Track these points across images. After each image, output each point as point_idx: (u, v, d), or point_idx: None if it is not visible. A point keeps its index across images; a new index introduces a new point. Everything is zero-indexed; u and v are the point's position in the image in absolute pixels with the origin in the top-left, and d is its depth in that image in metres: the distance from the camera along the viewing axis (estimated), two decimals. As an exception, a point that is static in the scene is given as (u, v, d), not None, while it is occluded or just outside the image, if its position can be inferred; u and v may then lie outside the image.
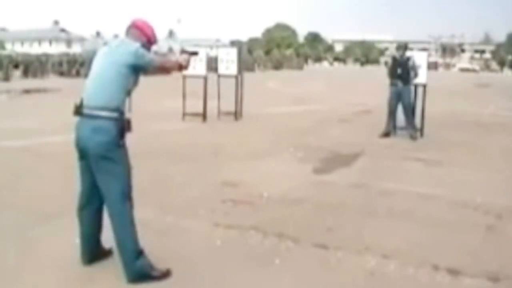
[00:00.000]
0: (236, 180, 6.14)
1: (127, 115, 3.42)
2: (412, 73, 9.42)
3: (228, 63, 11.65)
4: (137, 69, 3.38)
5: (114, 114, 3.27)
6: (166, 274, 3.44)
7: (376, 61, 78.87)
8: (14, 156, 7.28)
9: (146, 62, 3.38)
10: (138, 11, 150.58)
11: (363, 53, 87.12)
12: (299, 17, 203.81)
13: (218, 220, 4.63)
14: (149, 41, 3.53)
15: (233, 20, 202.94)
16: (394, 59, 9.69)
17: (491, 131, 10.76)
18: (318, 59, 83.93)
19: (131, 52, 3.31)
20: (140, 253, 3.37)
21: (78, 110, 3.33)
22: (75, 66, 29.57)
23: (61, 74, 28.97)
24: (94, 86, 3.33)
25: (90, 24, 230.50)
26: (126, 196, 3.35)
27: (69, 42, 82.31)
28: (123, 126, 3.32)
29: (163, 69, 3.60)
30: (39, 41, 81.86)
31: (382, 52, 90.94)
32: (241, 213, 4.94)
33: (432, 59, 63.88)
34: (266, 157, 7.63)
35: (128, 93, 3.42)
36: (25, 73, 27.57)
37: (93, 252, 3.60)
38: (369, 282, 3.53)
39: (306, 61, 69.94)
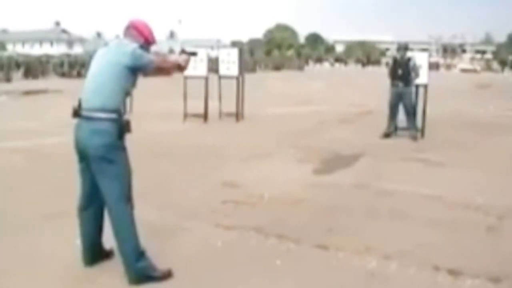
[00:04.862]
0: (237, 181, 6.15)
1: (127, 116, 3.42)
2: (413, 74, 9.41)
3: (229, 64, 11.64)
4: (135, 70, 3.38)
5: (113, 115, 3.27)
6: (167, 275, 3.44)
7: (377, 62, 78.65)
8: (15, 157, 7.29)
9: (144, 63, 3.37)
10: (139, 12, 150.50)
11: (364, 53, 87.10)
12: (299, 17, 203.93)
13: (219, 221, 4.64)
14: (147, 41, 3.53)
15: (234, 20, 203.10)
16: (395, 60, 9.68)
17: (492, 132, 10.74)
18: (319, 60, 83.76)
19: (128, 53, 3.31)
20: (141, 254, 3.37)
21: (77, 112, 3.33)
22: (76, 67, 29.57)
23: (62, 75, 28.96)
24: (92, 88, 3.33)
25: (91, 25, 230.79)
26: (126, 197, 3.35)
27: (70, 43, 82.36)
28: (122, 127, 3.32)
29: (162, 70, 3.59)
30: (40, 42, 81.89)
31: (383, 52, 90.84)
32: (242, 214, 4.94)
33: (434, 59, 63.77)
34: (267, 158, 7.63)
35: (127, 94, 3.42)
36: (26, 74, 27.57)
37: (94, 253, 3.61)
38: (370, 283, 3.53)
39: (307, 62, 69.69)
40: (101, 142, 3.24)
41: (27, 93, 18.28)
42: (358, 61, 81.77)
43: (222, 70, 11.72)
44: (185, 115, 11.27)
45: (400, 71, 9.43)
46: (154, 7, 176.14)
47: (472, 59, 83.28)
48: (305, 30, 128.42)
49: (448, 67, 69.33)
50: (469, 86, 29.06)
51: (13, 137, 8.78)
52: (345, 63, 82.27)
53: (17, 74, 27.17)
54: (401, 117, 9.69)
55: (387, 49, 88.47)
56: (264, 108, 13.95)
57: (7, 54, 40.00)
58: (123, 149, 3.37)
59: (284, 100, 16.95)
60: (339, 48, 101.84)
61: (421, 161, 7.57)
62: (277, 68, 50.86)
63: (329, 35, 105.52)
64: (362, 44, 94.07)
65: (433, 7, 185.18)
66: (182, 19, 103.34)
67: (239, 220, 4.70)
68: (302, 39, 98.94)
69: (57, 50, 64.10)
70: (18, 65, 29.21)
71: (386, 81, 9.94)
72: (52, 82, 24.69)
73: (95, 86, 3.32)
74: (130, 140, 3.45)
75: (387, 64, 12.32)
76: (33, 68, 28.35)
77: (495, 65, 70.19)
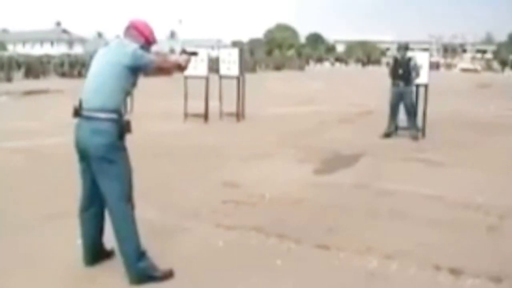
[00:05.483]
0: (237, 180, 6.15)
1: (128, 116, 3.42)
2: (413, 74, 9.41)
3: (230, 63, 11.64)
4: (136, 70, 3.38)
5: (113, 116, 3.27)
6: (168, 275, 3.44)
7: (377, 62, 78.68)
8: (15, 157, 7.29)
9: (145, 63, 3.37)
10: (139, 12, 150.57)
11: (365, 53, 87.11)
12: (300, 17, 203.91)
13: (220, 221, 4.64)
14: (147, 41, 3.52)
15: (235, 20, 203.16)
16: (396, 59, 9.68)
17: (492, 132, 10.74)
18: (320, 60, 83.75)
19: (128, 54, 3.31)
20: (142, 254, 3.37)
21: (77, 112, 3.33)
22: (76, 67, 29.57)
23: (63, 75, 28.94)
24: (93, 88, 3.33)
25: (91, 25, 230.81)
26: (127, 197, 3.35)
27: (70, 43, 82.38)
28: (122, 127, 3.32)
29: (163, 70, 3.59)
30: (41, 42, 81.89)
31: (383, 52, 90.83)
32: (243, 214, 4.94)
33: (434, 59, 63.70)
34: (268, 158, 7.63)
35: (127, 94, 3.43)
36: (27, 74, 27.57)
37: (95, 253, 3.61)
38: (371, 283, 3.53)
39: (307, 61, 69.62)
40: (101, 142, 3.25)
41: (28, 93, 18.27)
42: (358, 60, 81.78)
43: (223, 70, 11.73)
44: (186, 115, 11.27)
45: (400, 71, 9.43)
46: (155, 7, 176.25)
47: (473, 58, 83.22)
48: (305, 30, 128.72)
49: (449, 66, 69.28)
50: (469, 85, 29.05)
51: (13, 137, 8.78)
52: (346, 63, 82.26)
53: (18, 74, 27.15)
54: (402, 117, 9.69)
55: (388, 49, 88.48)
56: (264, 108, 13.95)
57: (7, 54, 40.01)
58: (123, 149, 3.37)
59: (284, 100, 16.94)
60: (340, 48, 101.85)
61: (421, 161, 7.56)
62: (278, 68, 50.81)
63: (329, 35, 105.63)
64: (362, 44, 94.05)
65: (434, 6, 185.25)
66: (182, 19, 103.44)
67: (239, 220, 4.70)
68: (302, 39, 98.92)
69: (58, 50, 64.08)
70: (18, 65, 29.19)
71: (386, 81, 9.94)
72: (52, 82, 24.69)
73: (95, 86, 3.32)
74: (130, 140, 3.45)
75: (387, 64, 12.29)
76: (33, 68, 28.35)
77: (496, 64, 70.08)
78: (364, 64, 77.36)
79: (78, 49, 71.05)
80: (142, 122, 8.68)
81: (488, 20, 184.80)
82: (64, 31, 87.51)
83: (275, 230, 4.41)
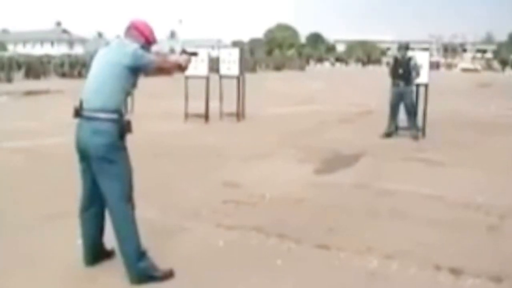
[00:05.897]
0: (238, 180, 6.15)
1: (128, 116, 3.42)
2: (413, 73, 9.41)
3: (230, 63, 11.63)
4: (136, 71, 3.38)
5: (114, 116, 3.27)
6: (168, 275, 3.44)
7: (377, 61, 78.71)
8: (15, 157, 7.29)
9: (145, 63, 3.37)
10: (139, 12, 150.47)
11: (365, 53, 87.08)
12: (300, 17, 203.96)
13: (220, 221, 4.64)
14: (147, 41, 3.52)
15: (235, 20, 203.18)
16: (396, 59, 9.68)
17: (493, 132, 10.74)
18: (320, 60, 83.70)
19: (129, 54, 3.31)
20: (142, 254, 3.37)
21: (78, 112, 3.33)
22: (76, 67, 29.57)
23: (63, 75, 28.94)
24: (93, 88, 3.33)
25: (92, 25, 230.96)
26: (127, 197, 3.35)
27: (71, 43, 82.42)
28: (123, 127, 3.32)
29: (163, 70, 3.59)
30: (41, 42, 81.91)
31: (383, 52, 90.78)
32: (243, 214, 4.94)
33: (434, 59, 63.64)
34: (268, 158, 7.63)
35: (128, 94, 3.43)
36: (27, 75, 27.57)
37: (96, 253, 3.61)
38: (371, 283, 3.53)
39: (307, 61, 69.59)
40: (101, 142, 3.25)
41: (28, 93, 18.28)
42: (358, 60, 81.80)
43: (223, 70, 11.72)
44: (186, 115, 11.27)
45: (401, 71, 9.43)
46: (155, 7, 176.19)
47: (473, 58, 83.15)
48: (305, 30, 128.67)
49: (449, 66, 69.18)
50: (469, 85, 29.02)
51: (13, 137, 8.78)
52: (346, 62, 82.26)
53: (18, 75, 27.14)
54: (402, 117, 9.69)
55: (388, 49, 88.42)
56: (264, 108, 13.95)
57: (8, 54, 40.02)
58: (123, 149, 3.38)
59: (284, 100, 16.94)
60: (340, 48, 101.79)
61: (421, 161, 7.56)
62: (278, 68, 50.74)
63: (330, 35, 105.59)
64: (362, 44, 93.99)
65: (434, 6, 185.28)
66: (182, 19, 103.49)
67: (240, 220, 4.70)
68: (303, 39, 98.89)
69: (58, 50, 64.12)
70: (19, 66, 29.19)
71: (386, 80, 9.94)
72: (53, 82, 24.69)
73: (96, 86, 3.33)
74: (131, 140, 3.45)
75: (387, 63, 12.29)
76: (34, 68, 28.34)
77: (496, 64, 70.00)
78: (364, 64, 77.36)
79: (78, 49, 71.08)
80: (143, 122, 8.68)
81: (488, 20, 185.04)
82: (64, 31, 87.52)
83: (275, 230, 4.41)
